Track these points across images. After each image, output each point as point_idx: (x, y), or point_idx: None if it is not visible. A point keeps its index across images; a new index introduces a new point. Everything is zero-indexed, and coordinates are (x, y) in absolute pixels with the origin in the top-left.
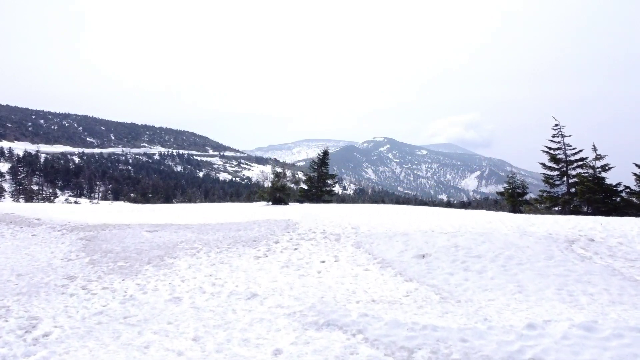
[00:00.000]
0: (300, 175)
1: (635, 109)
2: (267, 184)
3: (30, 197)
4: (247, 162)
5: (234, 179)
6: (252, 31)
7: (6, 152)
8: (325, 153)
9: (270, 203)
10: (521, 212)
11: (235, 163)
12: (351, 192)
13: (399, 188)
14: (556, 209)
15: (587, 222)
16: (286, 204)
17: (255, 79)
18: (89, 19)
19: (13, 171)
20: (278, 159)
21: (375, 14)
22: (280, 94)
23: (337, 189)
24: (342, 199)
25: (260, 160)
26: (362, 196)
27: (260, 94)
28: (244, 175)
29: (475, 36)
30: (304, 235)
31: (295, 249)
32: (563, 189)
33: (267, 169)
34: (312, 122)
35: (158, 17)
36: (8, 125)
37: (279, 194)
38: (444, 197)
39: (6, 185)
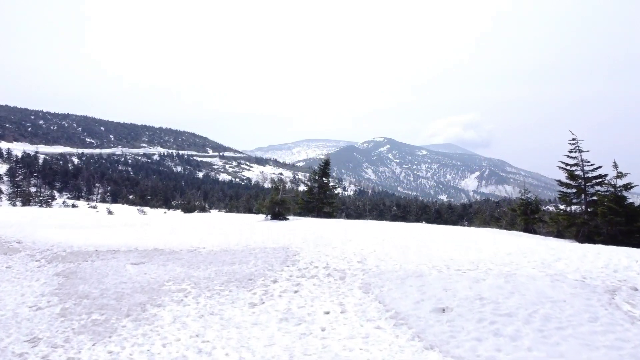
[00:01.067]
0: (300, 175)
1: (635, 109)
2: (267, 184)
3: (27, 200)
4: (247, 163)
5: (233, 179)
6: (253, 31)
7: (4, 153)
8: (327, 163)
9: (269, 217)
10: (535, 231)
11: (235, 163)
12: (351, 193)
13: (399, 188)
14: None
15: (620, 257)
16: (285, 219)
17: (255, 79)
18: (89, 18)
19: (11, 173)
20: (278, 159)
21: (375, 14)
22: (281, 94)
23: (337, 190)
24: (343, 202)
25: (260, 161)
26: (362, 197)
27: (260, 94)
28: (243, 176)
29: (474, 36)
30: (305, 272)
31: (296, 291)
32: (578, 201)
33: (267, 169)
34: (312, 122)
35: (159, 16)
36: (7, 125)
37: (278, 208)
38: (443, 197)
39: (4, 187)
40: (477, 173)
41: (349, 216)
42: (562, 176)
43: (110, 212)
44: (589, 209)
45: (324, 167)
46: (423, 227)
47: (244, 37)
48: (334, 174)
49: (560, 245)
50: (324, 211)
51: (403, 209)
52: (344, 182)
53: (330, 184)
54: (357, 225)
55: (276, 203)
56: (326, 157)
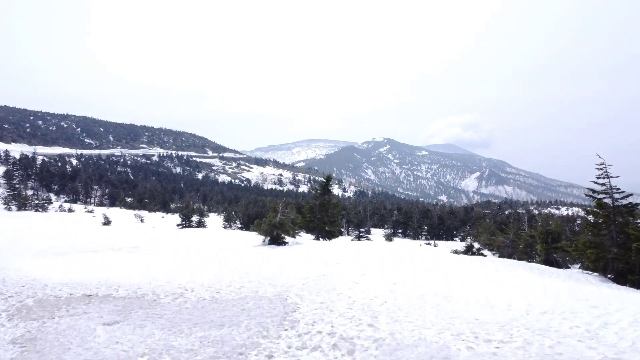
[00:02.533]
0: (300, 176)
1: (635, 109)
2: (267, 185)
3: (23, 204)
4: (247, 164)
5: (233, 180)
6: (253, 31)
7: (2, 155)
8: (328, 179)
9: (267, 241)
10: (557, 263)
11: (234, 164)
12: (351, 195)
13: (398, 189)
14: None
15: None
16: (284, 243)
17: (255, 79)
18: (90, 17)
19: (8, 175)
20: (278, 160)
21: (375, 14)
22: (281, 94)
23: (336, 190)
24: (343, 207)
25: (260, 162)
26: (363, 200)
27: (260, 94)
28: (243, 177)
29: (474, 35)
30: (306, 339)
31: None
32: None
33: (267, 170)
34: (312, 122)
35: (159, 16)
36: (5, 126)
37: (276, 232)
38: (443, 198)
39: (0, 191)
40: (477, 173)
41: (349, 223)
42: (563, 175)
43: (106, 220)
44: (619, 241)
45: (326, 184)
46: (434, 260)
47: (244, 36)
48: (334, 175)
49: (600, 298)
50: (326, 230)
51: (405, 215)
52: (343, 183)
53: (333, 200)
54: (362, 254)
55: (274, 226)
56: (328, 174)
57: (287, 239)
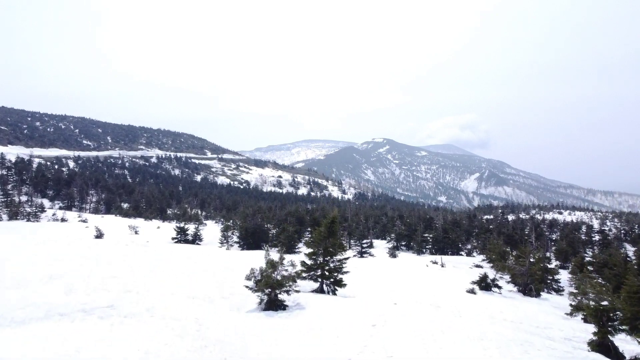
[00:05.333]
0: (299, 178)
1: (634, 109)
2: (266, 188)
3: (14, 213)
4: (246, 165)
5: (232, 182)
6: (254, 32)
7: None
8: (334, 221)
9: (264, 305)
10: (615, 348)
11: (233, 166)
12: (351, 197)
13: (398, 190)
14: None
15: None
16: (284, 307)
17: (256, 80)
18: (88, 17)
19: (2, 181)
20: (277, 160)
21: (373, 15)
22: (281, 95)
23: (336, 192)
24: (345, 218)
25: (259, 163)
26: (363, 203)
27: (260, 94)
28: (242, 179)
29: (474, 35)
30: None
31: None
32: None
33: (266, 172)
34: (312, 122)
35: (158, 16)
36: (2, 128)
37: (274, 293)
38: (443, 199)
39: None
40: (477, 174)
41: (350, 235)
42: (562, 176)
43: (99, 232)
44: None
45: (331, 225)
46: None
47: (245, 37)
48: (334, 175)
49: None
50: (332, 279)
51: (408, 227)
52: (343, 185)
53: (339, 242)
54: (379, 332)
55: (272, 286)
56: (334, 214)
57: (287, 299)
